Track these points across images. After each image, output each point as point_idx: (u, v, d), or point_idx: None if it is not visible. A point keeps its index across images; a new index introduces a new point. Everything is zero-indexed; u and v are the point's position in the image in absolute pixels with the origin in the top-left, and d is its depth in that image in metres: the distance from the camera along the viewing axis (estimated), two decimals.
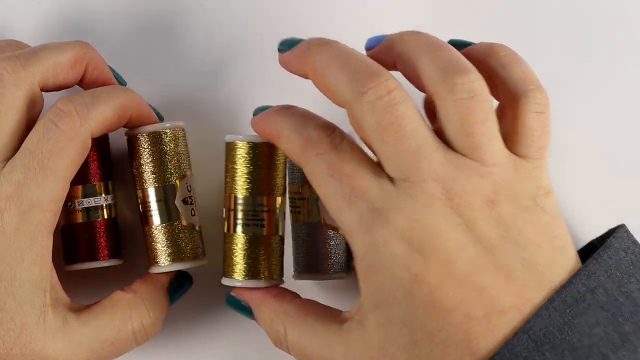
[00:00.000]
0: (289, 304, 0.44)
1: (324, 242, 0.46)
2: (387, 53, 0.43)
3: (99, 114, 0.43)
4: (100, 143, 0.47)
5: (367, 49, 0.44)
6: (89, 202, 0.46)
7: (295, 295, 0.45)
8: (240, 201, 0.44)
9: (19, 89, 0.43)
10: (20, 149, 0.43)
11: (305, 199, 0.46)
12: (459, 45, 0.43)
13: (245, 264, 0.45)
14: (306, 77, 0.43)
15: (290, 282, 0.47)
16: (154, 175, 0.45)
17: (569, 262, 0.40)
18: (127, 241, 0.50)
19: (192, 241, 0.46)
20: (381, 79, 0.39)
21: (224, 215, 0.45)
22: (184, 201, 0.45)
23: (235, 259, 0.45)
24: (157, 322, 0.46)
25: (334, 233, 0.46)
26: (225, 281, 0.45)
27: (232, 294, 0.45)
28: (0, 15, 0.51)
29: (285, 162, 0.46)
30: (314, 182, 0.41)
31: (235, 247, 0.45)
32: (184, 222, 0.46)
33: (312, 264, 0.47)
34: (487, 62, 0.42)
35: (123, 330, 0.44)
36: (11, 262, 0.42)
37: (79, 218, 0.46)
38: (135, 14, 0.52)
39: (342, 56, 0.41)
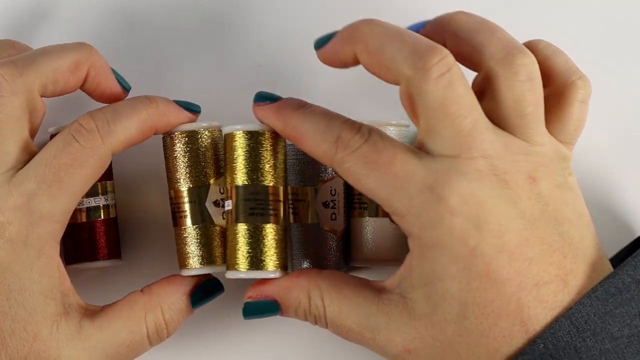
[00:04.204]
0: (320, 278, 0.43)
1: (323, 242, 0.47)
2: (438, 33, 0.43)
3: (121, 131, 0.43)
4: None
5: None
6: (89, 202, 0.46)
7: (319, 270, 0.44)
8: (249, 190, 0.43)
9: (18, 97, 0.42)
10: (34, 159, 0.42)
11: (304, 201, 0.46)
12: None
13: (274, 254, 0.44)
14: (352, 62, 0.42)
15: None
16: (188, 176, 0.45)
17: (595, 239, 0.42)
18: (127, 241, 0.50)
19: (223, 245, 0.45)
20: (442, 54, 0.40)
21: (227, 208, 0.44)
22: (216, 203, 0.45)
23: (266, 250, 0.44)
24: (172, 325, 0.45)
25: (330, 234, 0.47)
26: (242, 274, 0.43)
27: (250, 298, 0.44)
28: None
29: (285, 157, 0.45)
30: (352, 179, 0.41)
31: (268, 238, 0.44)
32: (216, 225, 0.45)
33: (311, 264, 0.47)
34: None
35: (138, 333, 0.44)
36: (20, 272, 0.41)
37: (79, 218, 0.46)
38: (135, 13, 0.52)
39: (397, 32, 0.41)
